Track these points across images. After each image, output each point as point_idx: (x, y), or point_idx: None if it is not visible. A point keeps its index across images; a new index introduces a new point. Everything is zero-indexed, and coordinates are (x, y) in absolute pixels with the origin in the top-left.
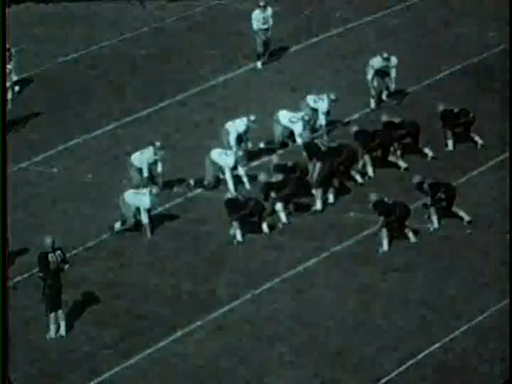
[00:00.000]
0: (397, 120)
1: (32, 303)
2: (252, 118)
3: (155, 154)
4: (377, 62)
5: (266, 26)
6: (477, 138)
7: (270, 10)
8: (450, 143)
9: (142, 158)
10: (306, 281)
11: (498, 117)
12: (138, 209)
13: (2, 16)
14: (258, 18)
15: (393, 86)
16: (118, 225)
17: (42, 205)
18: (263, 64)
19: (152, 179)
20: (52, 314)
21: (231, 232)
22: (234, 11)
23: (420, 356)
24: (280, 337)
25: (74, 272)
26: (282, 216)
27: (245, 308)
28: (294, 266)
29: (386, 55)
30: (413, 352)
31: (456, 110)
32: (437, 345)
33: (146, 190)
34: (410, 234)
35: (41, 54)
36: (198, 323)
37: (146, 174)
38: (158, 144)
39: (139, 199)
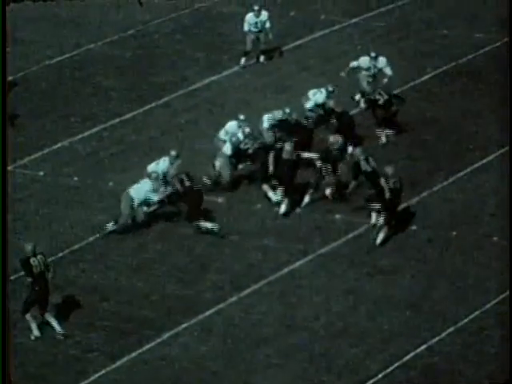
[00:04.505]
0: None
1: (18, 306)
2: (241, 117)
3: (171, 163)
4: (363, 61)
5: (256, 30)
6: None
7: (265, 14)
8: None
9: (156, 168)
10: (291, 283)
11: (484, 118)
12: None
13: (2, 16)
14: (250, 22)
15: (385, 81)
16: (110, 225)
17: (27, 208)
18: (258, 61)
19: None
20: (27, 315)
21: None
22: (218, 14)
23: (406, 358)
24: (266, 339)
25: (60, 275)
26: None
27: (231, 310)
28: (280, 269)
29: (373, 54)
30: (399, 354)
31: (381, 102)
32: (423, 347)
33: (146, 179)
34: None
35: (26, 57)
36: (184, 326)
37: (160, 184)
38: (173, 153)
39: (141, 190)
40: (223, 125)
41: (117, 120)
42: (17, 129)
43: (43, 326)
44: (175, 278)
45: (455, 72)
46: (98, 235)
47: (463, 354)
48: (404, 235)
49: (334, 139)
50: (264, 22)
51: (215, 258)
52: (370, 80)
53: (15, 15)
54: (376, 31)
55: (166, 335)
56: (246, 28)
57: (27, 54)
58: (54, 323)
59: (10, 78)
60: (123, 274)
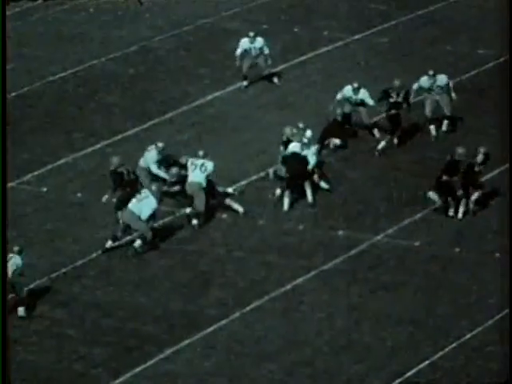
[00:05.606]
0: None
1: (17, 323)
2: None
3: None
4: (423, 81)
5: (252, 55)
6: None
7: (260, 41)
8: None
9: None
10: (295, 299)
11: (488, 134)
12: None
13: (2, 16)
14: (244, 47)
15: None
16: (109, 243)
17: (30, 224)
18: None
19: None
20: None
21: None
22: (221, 30)
23: (409, 374)
24: (269, 355)
25: (63, 291)
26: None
27: (234, 326)
28: (283, 285)
29: (431, 73)
30: (402, 370)
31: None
32: (425, 363)
33: (146, 192)
34: None
35: (29, 73)
36: (187, 342)
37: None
38: (160, 145)
39: (143, 204)
40: (226, 141)
41: (120, 136)
42: (19, 145)
43: (45, 335)
44: (178, 294)
45: (458, 88)
46: (100, 252)
47: (466, 369)
48: (407, 251)
49: (462, 150)
50: (260, 48)
51: (218, 274)
52: (436, 101)
53: (18, 31)
54: (379, 47)
55: (169, 351)
56: (238, 52)
57: (30, 70)
58: None
59: (13, 94)
60: (126, 289)
